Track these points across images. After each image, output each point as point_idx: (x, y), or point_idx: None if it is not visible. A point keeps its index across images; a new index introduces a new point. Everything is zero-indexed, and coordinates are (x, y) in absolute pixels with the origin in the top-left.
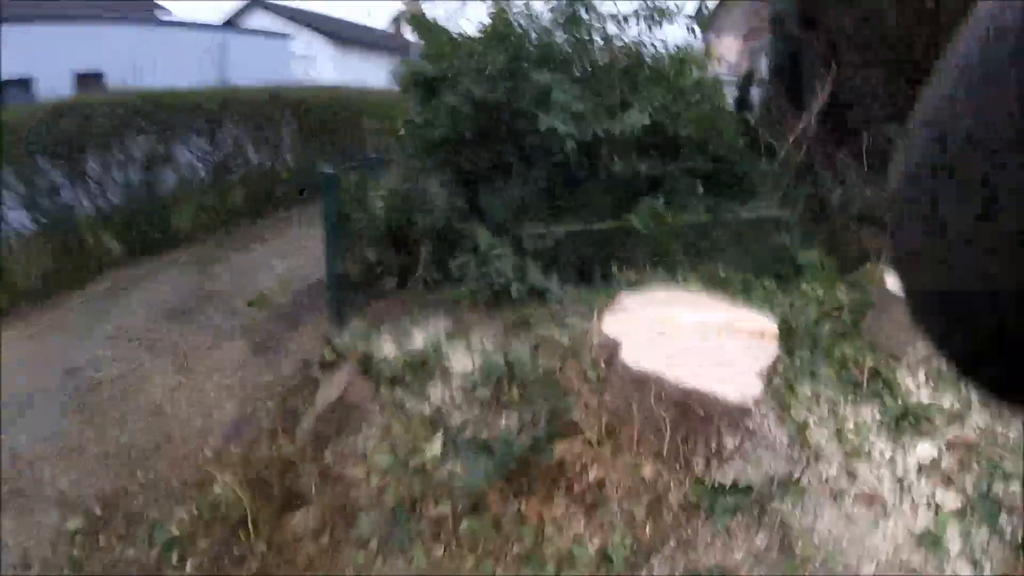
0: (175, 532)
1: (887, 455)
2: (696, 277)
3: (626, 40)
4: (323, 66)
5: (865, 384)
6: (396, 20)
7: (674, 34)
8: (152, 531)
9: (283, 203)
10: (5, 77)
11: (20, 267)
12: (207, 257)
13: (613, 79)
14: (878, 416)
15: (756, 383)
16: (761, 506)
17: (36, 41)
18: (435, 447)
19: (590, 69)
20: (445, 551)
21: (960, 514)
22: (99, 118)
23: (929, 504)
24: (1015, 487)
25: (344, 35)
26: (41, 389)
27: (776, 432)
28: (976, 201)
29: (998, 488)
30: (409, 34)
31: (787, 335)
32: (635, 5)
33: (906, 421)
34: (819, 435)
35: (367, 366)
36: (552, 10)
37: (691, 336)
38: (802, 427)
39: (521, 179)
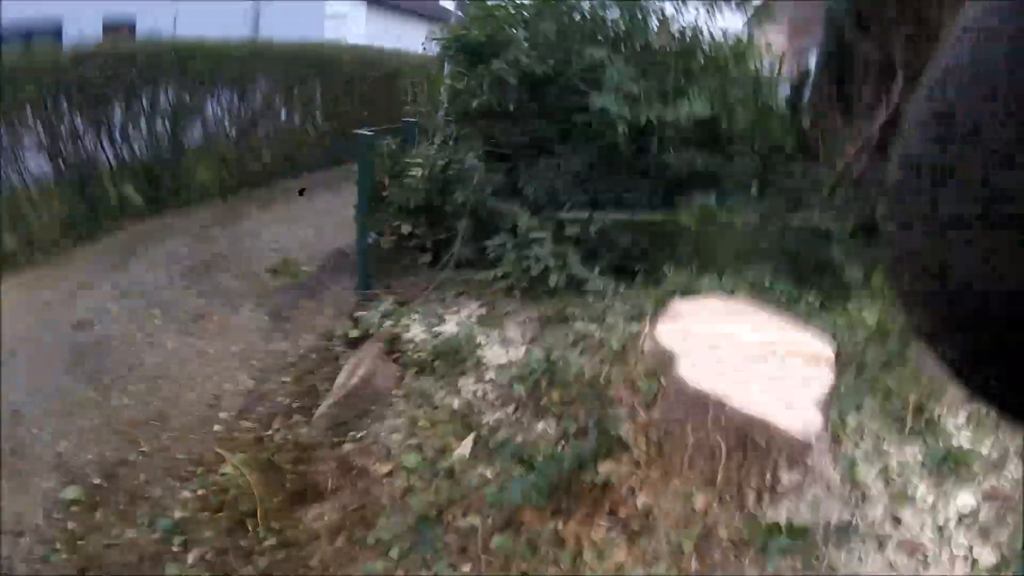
0: (178, 516)
1: (929, 501)
2: (743, 285)
3: (683, 24)
4: (355, 27)
5: (909, 419)
6: None
7: (724, 24)
8: (153, 514)
9: (310, 165)
10: (33, 20)
11: (36, 215)
12: (228, 215)
13: (668, 63)
14: (920, 457)
15: (816, 414)
16: (812, 549)
17: None
18: (465, 448)
19: (643, 50)
20: (473, 568)
21: (995, 570)
22: (123, 67)
23: (966, 557)
24: None
25: None
26: (46, 342)
27: (829, 468)
28: (976, 201)
29: None
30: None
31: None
32: None
33: (947, 465)
34: (866, 473)
35: (393, 348)
36: None
37: (749, 356)
38: (852, 464)
39: (562, 160)
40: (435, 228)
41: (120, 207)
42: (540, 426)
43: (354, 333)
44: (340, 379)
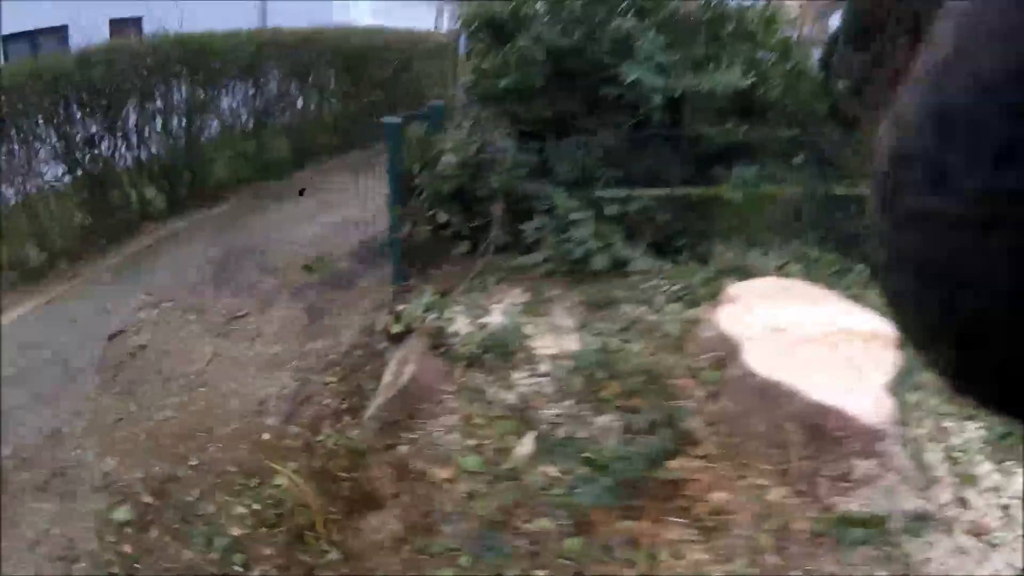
0: (235, 533)
1: (993, 480)
2: (790, 259)
3: None
4: (363, 8)
5: None
6: None
7: None
8: (209, 532)
9: (328, 151)
10: (39, 27)
11: (56, 224)
12: (250, 209)
13: (698, 31)
14: (981, 435)
15: (886, 398)
16: (888, 539)
17: None
18: (526, 447)
19: (672, 19)
20: (547, 574)
21: None
22: (132, 66)
23: None
24: None
25: None
26: (81, 358)
27: (899, 453)
28: (976, 202)
29: None
30: None
31: None
32: None
33: (1007, 442)
34: (932, 456)
35: (438, 342)
36: None
37: (811, 339)
38: (919, 447)
39: (593, 136)
40: (470, 215)
41: (141, 210)
42: (601, 420)
43: (396, 328)
44: (386, 377)
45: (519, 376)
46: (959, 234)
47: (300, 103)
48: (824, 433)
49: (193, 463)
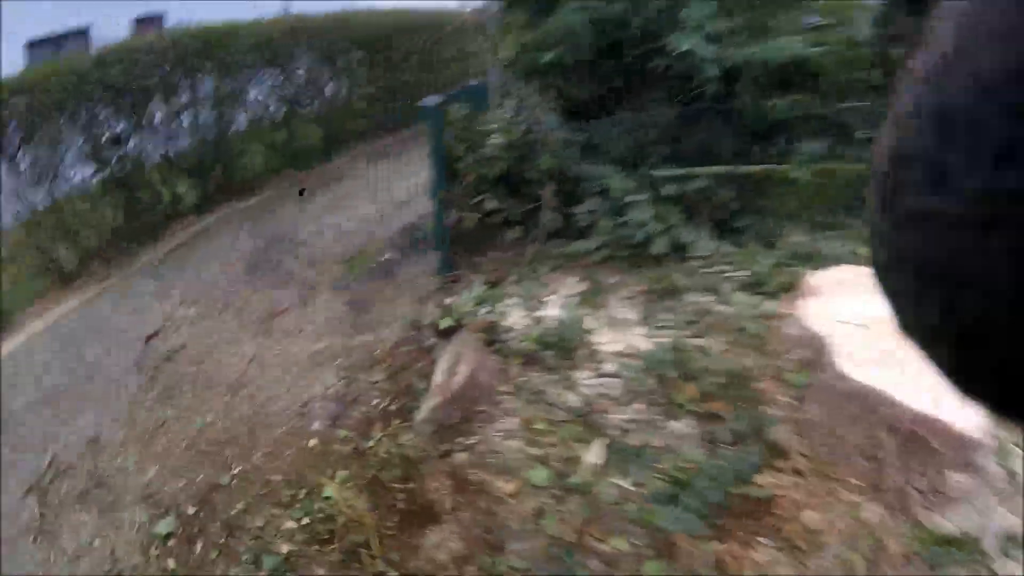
0: (284, 550)
1: None
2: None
3: None
4: None
5: None
6: None
7: None
8: (257, 548)
9: (361, 136)
10: (62, 30)
11: (87, 225)
12: (283, 200)
13: None
14: None
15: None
16: (981, 559)
17: None
18: (595, 456)
19: None
20: None
21: None
22: (149, 60)
23: None
24: None
25: None
26: (118, 361)
27: (993, 465)
28: (977, 202)
29: None
30: None
31: None
32: None
33: None
34: (1016, 463)
35: (492, 337)
36: None
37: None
38: (1013, 459)
39: (642, 113)
40: (518, 199)
41: (172, 206)
42: (676, 426)
43: (445, 323)
44: (438, 376)
45: (582, 375)
46: (959, 234)
47: (329, 89)
48: (918, 443)
49: (236, 471)
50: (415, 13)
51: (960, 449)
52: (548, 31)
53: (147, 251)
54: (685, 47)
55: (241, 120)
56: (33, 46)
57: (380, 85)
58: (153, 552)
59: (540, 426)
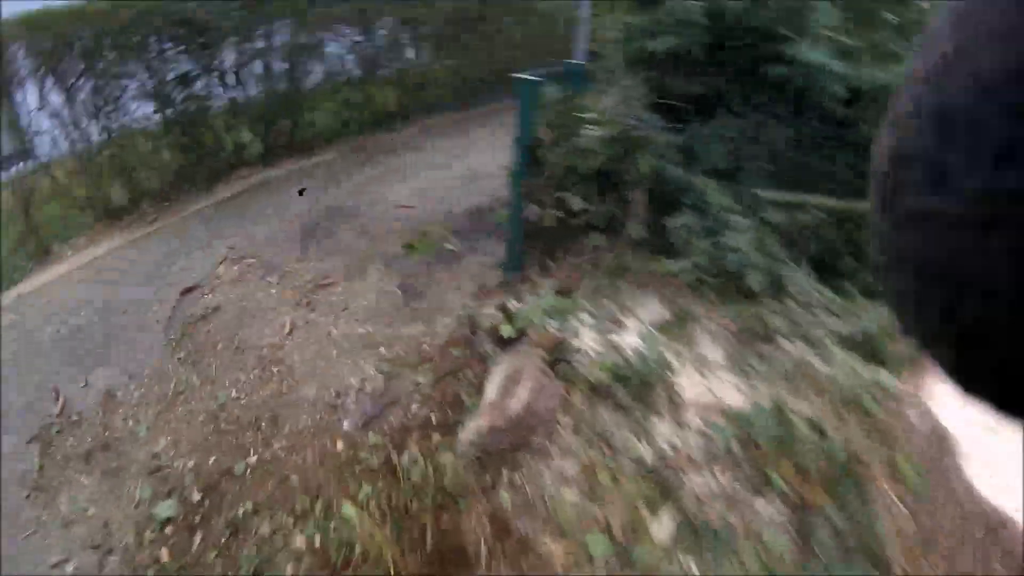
0: (288, 572)
1: None
2: None
3: None
4: None
5: None
6: None
7: None
8: (261, 559)
9: (439, 107)
10: None
11: (143, 164)
12: (350, 164)
13: (881, 16)
14: None
15: None
16: None
17: None
18: (664, 530)
19: None
20: None
21: None
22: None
23: None
24: None
25: None
26: (151, 311)
27: None
28: (976, 202)
29: None
30: None
31: None
32: None
33: None
34: None
35: (558, 356)
36: None
37: None
38: None
39: (750, 122)
40: (608, 201)
41: (235, 155)
42: (762, 506)
43: (507, 330)
44: (491, 391)
45: (658, 423)
46: (959, 234)
47: (411, 54)
48: None
49: (252, 461)
50: None
51: None
52: (660, 17)
53: (201, 198)
54: (813, 58)
55: (316, 75)
56: None
57: (466, 56)
58: (148, 535)
59: (603, 476)
